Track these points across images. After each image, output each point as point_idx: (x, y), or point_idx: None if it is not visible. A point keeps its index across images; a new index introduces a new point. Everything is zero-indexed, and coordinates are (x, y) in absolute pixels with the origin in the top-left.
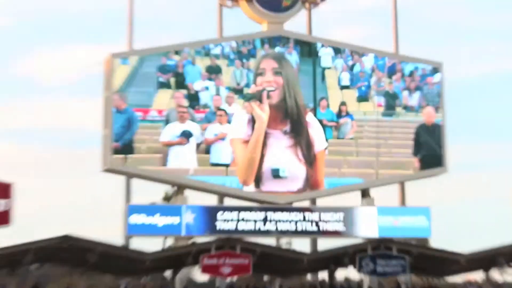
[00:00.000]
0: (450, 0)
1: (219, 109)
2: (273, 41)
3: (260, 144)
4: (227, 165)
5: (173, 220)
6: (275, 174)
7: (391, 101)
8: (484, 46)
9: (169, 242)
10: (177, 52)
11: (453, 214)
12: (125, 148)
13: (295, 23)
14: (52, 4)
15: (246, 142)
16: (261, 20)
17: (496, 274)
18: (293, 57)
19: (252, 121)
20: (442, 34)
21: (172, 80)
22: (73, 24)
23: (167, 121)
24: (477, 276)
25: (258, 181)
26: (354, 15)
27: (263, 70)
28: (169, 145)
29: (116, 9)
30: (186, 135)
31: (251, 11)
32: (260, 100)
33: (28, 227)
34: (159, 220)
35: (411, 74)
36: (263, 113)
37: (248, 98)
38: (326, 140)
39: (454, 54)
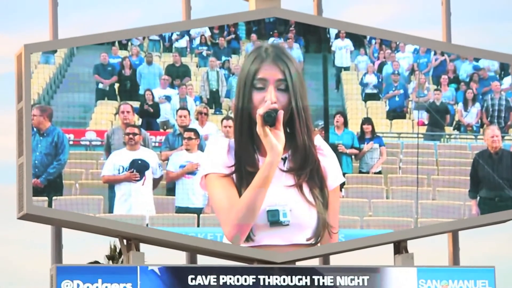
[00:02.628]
0: None
1: (186, 129)
2: (265, 28)
3: (268, 186)
4: (199, 211)
5: (125, 287)
6: (274, 218)
7: (439, 118)
8: None
9: None
10: (122, 46)
11: None
12: (50, 186)
13: (297, 2)
14: None
15: (228, 177)
16: None
17: None
18: (294, 53)
19: (236, 146)
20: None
21: (117, 87)
22: None
23: (109, 147)
24: None
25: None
26: None
27: (265, 83)
28: (114, 181)
29: None
30: (139, 167)
31: None
32: (273, 124)
33: None
34: None
35: (470, 78)
36: (278, 143)
37: (273, 118)
38: (343, 174)
39: None
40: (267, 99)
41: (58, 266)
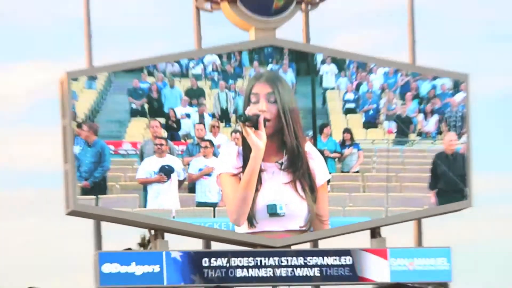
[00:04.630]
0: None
1: (203, 139)
2: (264, 56)
3: (255, 177)
4: (214, 205)
5: (153, 268)
6: (272, 211)
7: (404, 127)
8: None
9: None
10: (150, 73)
11: (479, 255)
12: (96, 187)
13: (290, 30)
14: None
15: (236, 176)
16: (247, 26)
17: None
18: (288, 76)
19: (244, 152)
20: (472, 38)
21: (147, 107)
22: (20, 39)
23: (142, 155)
24: None
25: (251, 220)
26: (361, 18)
27: (257, 97)
28: (147, 183)
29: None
30: (166, 171)
31: (235, 15)
32: (256, 126)
33: None
34: (137, 269)
35: (428, 94)
36: (259, 141)
37: (245, 119)
38: (329, 173)
39: (483, 62)
40: (259, 108)
41: (99, 252)
